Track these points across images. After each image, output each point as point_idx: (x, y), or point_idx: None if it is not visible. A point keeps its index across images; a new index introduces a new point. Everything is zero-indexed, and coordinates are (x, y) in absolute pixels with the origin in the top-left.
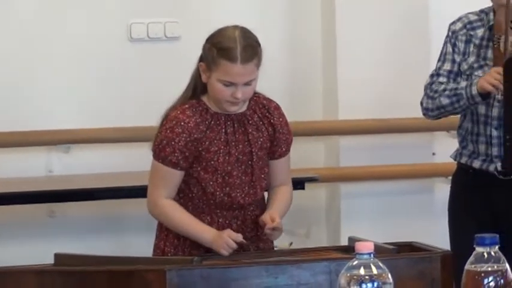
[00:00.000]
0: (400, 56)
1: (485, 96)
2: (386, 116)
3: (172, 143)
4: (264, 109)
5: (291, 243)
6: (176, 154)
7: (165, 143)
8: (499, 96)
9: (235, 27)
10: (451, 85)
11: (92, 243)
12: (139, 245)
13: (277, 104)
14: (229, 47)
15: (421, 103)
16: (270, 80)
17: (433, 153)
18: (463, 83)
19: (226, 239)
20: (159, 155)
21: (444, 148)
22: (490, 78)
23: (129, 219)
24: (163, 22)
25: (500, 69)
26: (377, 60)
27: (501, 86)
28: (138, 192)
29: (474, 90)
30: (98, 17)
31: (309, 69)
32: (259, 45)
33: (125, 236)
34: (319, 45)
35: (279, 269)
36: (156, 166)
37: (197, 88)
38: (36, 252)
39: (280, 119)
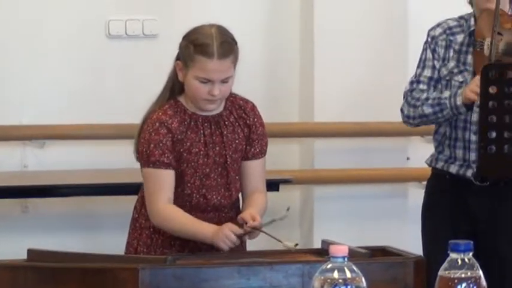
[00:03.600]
0: (377, 60)
1: (470, 106)
2: (361, 119)
3: (160, 144)
4: (240, 110)
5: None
6: (167, 154)
7: (152, 146)
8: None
9: (212, 25)
10: (434, 94)
11: (65, 240)
12: (113, 242)
13: (253, 104)
14: (206, 43)
15: (402, 110)
16: (247, 81)
17: (408, 158)
18: (446, 93)
19: (226, 232)
20: (149, 160)
21: (418, 153)
22: (474, 86)
23: (103, 216)
24: (142, 20)
25: None
26: (353, 63)
27: None
28: (113, 189)
29: (459, 101)
30: (76, 13)
31: (286, 71)
32: (235, 42)
33: (98, 233)
34: (296, 47)
35: (251, 271)
36: (148, 173)
37: (175, 88)
38: (9, 247)
39: (255, 120)
